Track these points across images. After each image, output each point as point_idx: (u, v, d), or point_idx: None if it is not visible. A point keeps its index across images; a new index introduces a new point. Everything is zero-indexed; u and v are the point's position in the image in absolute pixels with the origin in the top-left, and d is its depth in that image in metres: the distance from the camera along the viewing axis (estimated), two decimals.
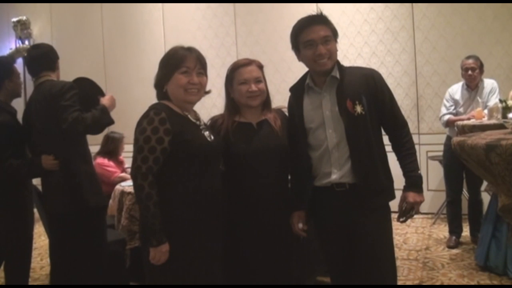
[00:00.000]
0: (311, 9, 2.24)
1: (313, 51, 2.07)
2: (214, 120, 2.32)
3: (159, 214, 1.89)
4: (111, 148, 4.58)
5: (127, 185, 3.56)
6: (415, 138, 2.21)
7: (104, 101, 2.76)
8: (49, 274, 2.94)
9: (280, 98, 2.51)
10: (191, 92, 2.06)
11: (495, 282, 3.29)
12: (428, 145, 5.30)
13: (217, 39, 6.40)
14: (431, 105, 5.35)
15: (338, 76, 2.11)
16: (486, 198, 4.07)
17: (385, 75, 2.23)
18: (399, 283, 3.24)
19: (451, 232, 4.27)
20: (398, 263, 3.07)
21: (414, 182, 2.12)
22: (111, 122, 2.75)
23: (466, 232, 4.30)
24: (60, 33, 7.41)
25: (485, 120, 3.74)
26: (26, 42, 7.25)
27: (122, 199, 3.48)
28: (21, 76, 3.19)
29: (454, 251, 4.03)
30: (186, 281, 1.95)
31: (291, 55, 2.25)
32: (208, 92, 2.19)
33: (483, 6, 5.02)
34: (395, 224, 2.21)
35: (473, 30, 5.09)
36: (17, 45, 7.37)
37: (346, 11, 5.63)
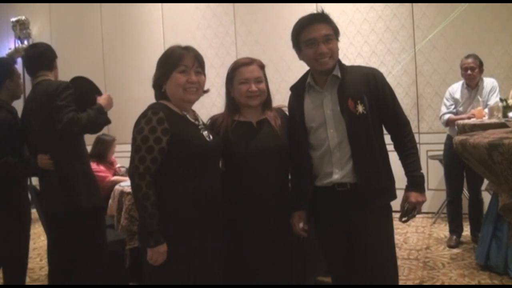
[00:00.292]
0: (310, 8, 2.24)
1: (314, 50, 2.06)
2: (214, 119, 2.31)
3: (157, 215, 1.88)
4: (101, 151, 4.53)
5: (127, 185, 3.54)
6: (415, 137, 2.20)
7: (101, 100, 2.75)
8: (47, 275, 2.93)
9: (279, 98, 2.50)
10: (190, 91, 2.05)
11: (496, 282, 3.28)
12: (428, 144, 5.30)
13: (216, 39, 6.40)
14: (431, 104, 5.34)
15: (339, 75, 2.10)
16: (486, 197, 4.07)
17: (385, 75, 2.23)
18: (400, 283, 3.22)
19: (451, 231, 4.27)
20: (398, 262, 3.05)
21: (416, 181, 2.11)
22: (107, 121, 2.74)
23: (466, 231, 4.29)
24: (59, 33, 7.40)
25: (486, 119, 3.74)
26: (25, 42, 7.24)
27: (122, 199, 3.47)
28: (21, 76, 3.18)
29: (455, 250, 4.03)
30: (185, 281, 1.94)
31: (291, 54, 2.24)
32: (206, 91, 2.18)
33: (483, 5, 5.01)
34: (395, 224, 2.21)
35: (473, 29, 5.08)
36: (16, 45, 7.36)
37: (346, 10, 5.63)
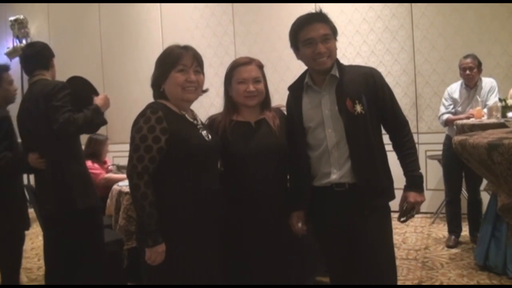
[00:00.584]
0: (309, 8, 2.22)
1: (312, 49, 2.05)
2: (212, 118, 2.30)
3: (155, 214, 1.87)
4: (94, 150, 4.54)
5: (125, 185, 3.53)
6: (414, 137, 2.19)
7: (98, 100, 2.74)
8: (44, 275, 2.92)
9: (278, 98, 2.49)
10: (189, 90, 2.04)
11: (495, 282, 3.27)
12: (427, 144, 5.29)
13: (215, 38, 6.39)
14: (430, 104, 5.34)
15: (337, 75, 2.09)
16: (485, 197, 4.06)
17: (384, 74, 2.22)
18: (398, 283, 3.22)
19: (450, 231, 4.26)
20: (397, 262, 3.06)
21: (415, 181, 2.11)
22: (103, 122, 2.72)
23: (465, 231, 4.29)
24: (58, 33, 7.39)
25: (485, 119, 3.73)
26: (24, 41, 7.24)
27: (120, 199, 3.45)
28: (19, 74, 3.20)
29: (454, 250, 4.02)
30: (184, 281, 1.93)
31: (290, 54, 2.23)
32: (205, 91, 2.17)
33: (482, 5, 5.01)
34: (394, 224, 2.20)
35: (472, 29, 5.08)
36: (15, 44, 7.35)
37: (345, 10, 5.62)
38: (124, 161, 2.49)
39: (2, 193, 2.94)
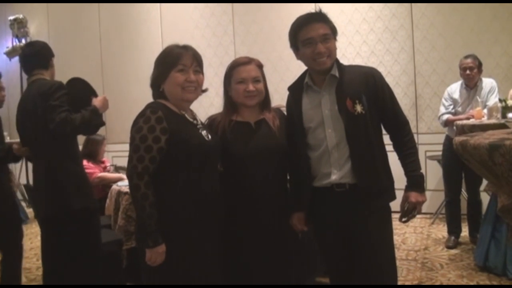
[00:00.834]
0: (309, 8, 2.22)
1: (312, 49, 2.04)
2: (212, 119, 2.29)
3: (155, 215, 1.87)
4: (91, 150, 4.53)
5: (124, 185, 3.53)
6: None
7: (96, 102, 2.71)
8: (42, 276, 2.91)
9: (278, 98, 2.48)
10: (189, 90, 2.03)
11: (495, 283, 3.27)
12: (427, 145, 5.29)
13: (215, 38, 6.38)
14: (430, 105, 5.33)
15: (337, 74, 2.08)
16: (485, 198, 4.06)
17: (383, 75, 2.22)
18: (398, 284, 3.22)
19: (450, 232, 4.26)
20: (396, 263, 3.05)
21: (416, 181, 2.10)
22: (101, 124, 2.70)
23: (464, 232, 4.28)
24: (57, 32, 7.38)
25: (485, 120, 3.73)
26: (23, 41, 7.22)
27: (119, 199, 3.44)
28: (18, 74, 3.24)
29: (453, 251, 4.02)
30: (183, 281, 1.92)
31: (289, 54, 2.23)
32: (205, 91, 2.17)
33: (482, 5, 5.01)
34: (393, 224, 2.20)
35: (472, 29, 5.08)
36: (14, 44, 7.34)
37: (345, 10, 5.61)
38: (123, 161, 2.48)
39: None
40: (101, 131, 3.13)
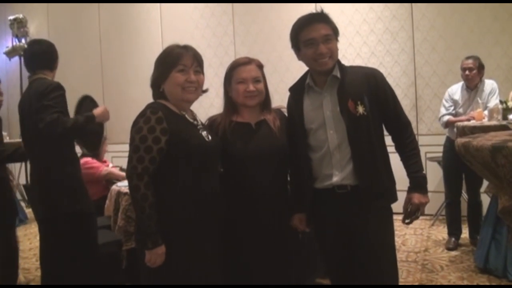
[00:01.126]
0: (310, 8, 2.21)
1: (313, 50, 2.03)
2: (212, 119, 2.29)
3: (155, 216, 1.86)
4: None
5: (124, 185, 3.51)
6: None
7: (96, 110, 2.69)
8: (40, 277, 2.90)
9: (278, 98, 2.47)
10: (189, 90, 2.02)
11: (495, 285, 3.26)
12: (427, 146, 5.27)
13: (215, 39, 6.37)
14: (430, 106, 5.33)
15: (339, 75, 2.08)
16: (485, 199, 4.04)
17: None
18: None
19: (450, 233, 4.25)
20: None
21: (418, 183, 2.09)
22: (98, 131, 2.64)
23: (465, 234, 4.27)
24: (57, 32, 7.37)
25: (485, 121, 3.72)
26: (23, 41, 7.22)
27: (119, 200, 3.43)
28: (18, 74, 3.25)
29: (453, 253, 4.01)
30: (183, 281, 1.91)
31: (290, 55, 2.22)
32: (205, 91, 2.16)
33: (483, 6, 5.00)
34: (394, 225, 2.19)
35: (472, 31, 5.07)
36: (14, 44, 7.33)
37: (345, 11, 5.61)
38: (123, 162, 2.47)
39: None
40: None
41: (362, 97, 2.04)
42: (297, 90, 2.19)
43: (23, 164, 6.30)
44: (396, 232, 4.54)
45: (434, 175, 5.19)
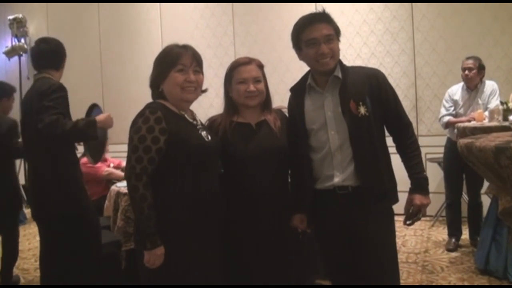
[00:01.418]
0: (310, 9, 2.21)
1: (315, 50, 2.02)
2: (212, 120, 2.27)
3: (154, 216, 1.84)
4: None
5: (123, 186, 3.50)
6: None
7: (99, 116, 2.67)
8: (40, 277, 2.89)
9: (278, 99, 2.46)
10: (188, 90, 2.01)
11: (495, 285, 3.25)
12: (427, 147, 5.25)
13: (215, 39, 6.36)
14: (430, 107, 5.32)
15: (340, 76, 2.06)
16: (486, 200, 4.03)
17: None
18: None
19: (450, 234, 4.24)
20: None
21: (420, 184, 2.08)
22: (95, 137, 2.61)
23: (465, 235, 4.26)
24: (57, 32, 7.33)
25: (486, 122, 3.71)
26: (22, 40, 7.21)
27: (118, 200, 3.42)
28: (17, 73, 3.28)
29: (454, 254, 4.00)
30: (183, 282, 1.90)
31: (290, 55, 2.21)
32: (204, 91, 2.15)
33: (483, 7, 5.00)
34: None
35: (472, 31, 5.07)
36: (13, 43, 7.32)
37: (345, 12, 5.60)
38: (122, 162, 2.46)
39: None
40: None
41: (364, 98, 2.02)
42: (298, 91, 2.18)
43: (23, 164, 6.27)
44: (396, 233, 4.54)
45: (434, 176, 5.17)
